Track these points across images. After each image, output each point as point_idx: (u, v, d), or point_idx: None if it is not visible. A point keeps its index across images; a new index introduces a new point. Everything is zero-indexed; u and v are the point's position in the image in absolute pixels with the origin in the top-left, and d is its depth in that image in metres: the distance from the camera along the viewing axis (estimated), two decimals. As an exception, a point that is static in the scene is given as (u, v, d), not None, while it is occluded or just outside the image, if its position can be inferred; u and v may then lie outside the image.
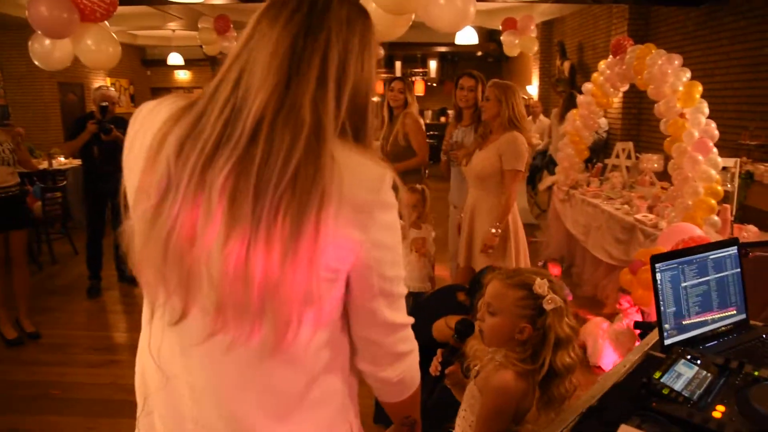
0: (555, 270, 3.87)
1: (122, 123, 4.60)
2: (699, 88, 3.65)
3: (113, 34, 3.94)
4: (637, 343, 1.91)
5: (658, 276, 1.51)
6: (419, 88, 13.75)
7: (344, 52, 0.86)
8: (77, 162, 6.23)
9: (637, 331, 2.92)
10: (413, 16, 3.34)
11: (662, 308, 1.51)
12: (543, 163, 7.53)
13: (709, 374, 1.22)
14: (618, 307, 3.32)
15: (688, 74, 3.75)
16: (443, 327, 2.22)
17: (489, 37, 11.34)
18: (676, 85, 3.69)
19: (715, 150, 3.55)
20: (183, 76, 13.83)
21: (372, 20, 0.94)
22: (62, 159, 7.09)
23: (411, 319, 0.99)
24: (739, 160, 3.93)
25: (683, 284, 1.56)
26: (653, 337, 1.59)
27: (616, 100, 6.70)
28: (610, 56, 4.78)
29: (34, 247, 5.58)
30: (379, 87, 6.55)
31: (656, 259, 1.51)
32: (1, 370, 3.44)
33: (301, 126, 0.80)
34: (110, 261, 4.85)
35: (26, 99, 9.41)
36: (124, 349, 3.75)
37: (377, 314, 0.92)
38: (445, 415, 1.49)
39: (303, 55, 0.83)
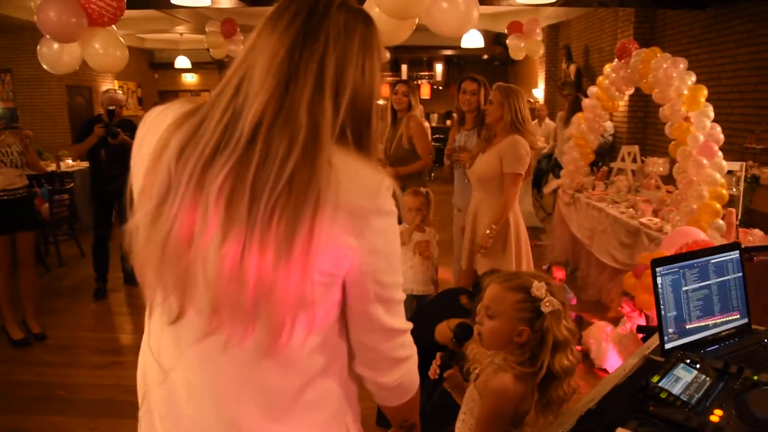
0: (559, 273, 3.86)
1: (130, 126, 4.64)
2: (704, 92, 3.64)
3: (120, 38, 3.97)
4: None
5: (659, 280, 1.51)
6: (425, 92, 13.77)
7: (342, 57, 0.87)
8: (84, 164, 6.28)
9: (640, 335, 2.93)
10: (417, 21, 3.35)
11: (663, 312, 1.51)
12: (548, 166, 7.52)
13: (707, 378, 1.22)
14: (621, 311, 3.32)
15: (693, 78, 3.74)
16: (445, 330, 2.22)
17: (495, 40, 11.34)
18: (681, 89, 3.68)
19: (720, 154, 3.53)
20: (190, 79, 13.92)
21: (375, 26, 0.94)
22: (70, 161, 7.15)
23: (410, 325, 0.99)
24: (744, 163, 3.92)
25: (684, 288, 1.56)
26: (654, 341, 1.59)
27: (622, 104, 6.69)
28: (616, 60, 4.78)
29: (42, 249, 5.62)
30: (385, 90, 6.56)
31: (657, 263, 1.51)
32: (7, 371, 3.47)
33: (298, 130, 0.81)
34: (117, 263, 4.89)
35: (35, 102, 9.50)
36: (129, 350, 3.78)
37: (374, 319, 0.92)
38: (445, 418, 1.50)
39: (300, 60, 0.84)
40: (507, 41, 7.25)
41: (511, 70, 12.80)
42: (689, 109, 3.65)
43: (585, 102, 5.23)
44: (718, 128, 3.61)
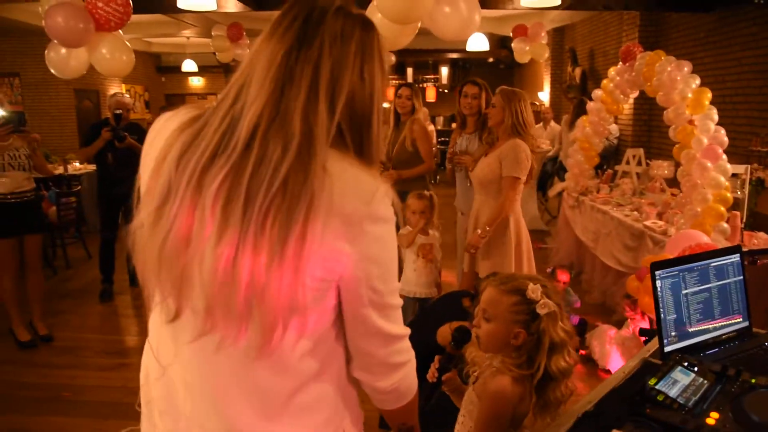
0: (564, 276, 3.85)
1: (137, 129, 4.69)
2: (708, 95, 3.64)
3: (127, 43, 4.01)
4: (642, 350, 1.91)
5: (658, 283, 1.52)
6: (430, 95, 13.80)
7: (338, 62, 0.88)
8: (92, 167, 6.33)
9: (643, 338, 2.93)
10: (419, 25, 3.36)
11: (662, 315, 1.51)
12: (553, 169, 7.52)
13: (705, 381, 1.23)
14: (625, 313, 3.31)
15: (698, 81, 3.73)
16: (447, 333, 2.22)
17: (500, 43, 11.36)
18: (685, 92, 3.68)
19: (724, 157, 3.53)
20: (197, 82, 14.00)
21: (376, 31, 0.95)
22: (77, 164, 7.21)
23: (407, 330, 0.99)
24: (749, 166, 3.92)
25: (684, 292, 1.56)
26: (655, 343, 1.60)
27: (627, 107, 6.68)
28: (620, 63, 4.78)
29: (49, 252, 5.66)
30: (389, 93, 6.60)
31: (656, 266, 1.52)
32: (13, 372, 3.50)
33: (292, 134, 0.83)
34: (123, 265, 4.92)
35: (43, 105, 9.58)
36: (134, 352, 3.80)
37: (370, 324, 0.92)
38: (444, 421, 1.51)
39: (296, 65, 0.86)
40: (512, 44, 7.26)
41: (517, 73, 12.81)
42: (693, 112, 3.65)
43: (590, 105, 5.24)
44: (723, 131, 3.60)
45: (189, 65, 11.38)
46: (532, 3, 4.75)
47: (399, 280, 3.04)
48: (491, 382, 1.30)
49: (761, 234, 3.49)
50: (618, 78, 4.76)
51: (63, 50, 3.81)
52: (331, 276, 0.86)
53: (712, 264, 1.63)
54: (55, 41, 3.71)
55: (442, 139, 10.11)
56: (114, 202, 4.67)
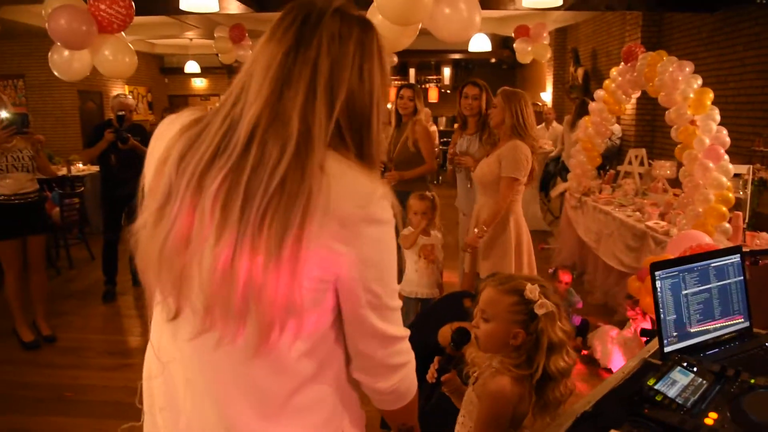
0: (566, 277, 3.84)
1: (140, 130, 4.71)
2: (710, 95, 3.63)
3: (130, 45, 4.03)
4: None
5: (658, 284, 1.52)
6: (433, 95, 13.80)
7: (336, 62, 0.88)
8: (95, 168, 6.36)
9: (644, 339, 2.92)
10: (420, 26, 3.37)
11: (662, 316, 1.52)
12: (556, 169, 7.51)
13: (704, 381, 1.23)
14: (627, 314, 3.31)
15: (700, 81, 3.73)
16: (448, 333, 2.22)
17: (502, 44, 11.36)
18: (687, 92, 3.68)
19: (726, 157, 3.52)
20: (200, 83, 14.03)
21: (375, 31, 0.96)
22: (80, 165, 7.23)
23: (406, 332, 0.99)
24: (752, 167, 3.90)
25: (684, 292, 1.56)
26: (655, 344, 1.60)
27: (630, 107, 6.67)
28: (622, 63, 4.77)
29: (53, 252, 5.69)
30: (391, 94, 6.63)
31: (656, 266, 1.52)
32: (17, 372, 3.52)
33: (290, 134, 0.84)
34: (126, 266, 4.94)
35: (47, 107, 9.63)
36: (137, 353, 3.80)
37: (368, 326, 0.93)
38: (444, 422, 1.51)
39: (294, 66, 0.87)
40: (514, 45, 7.26)
41: (519, 73, 12.80)
42: (695, 112, 3.65)
43: (592, 105, 5.23)
44: (725, 131, 3.60)
45: (192, 66, 11.42)
46: (533, 3, 4.75)
47: (401, 280, 3.06)
48: (491, 383, 1.30)
49: (763, 234, 3.48)
50: (620, 78, 4.76)
51: (66, 52, 3.83)
52: (327, 277, 0.87)
53: (713, 264, 1.63)
54: (59, 43, 3.73)
55: (445, 139, 10.10)
56: (117, 203, 4.69)
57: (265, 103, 0.85)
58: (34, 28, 7.24)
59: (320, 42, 0.88)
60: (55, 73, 3.98)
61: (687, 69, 3.76)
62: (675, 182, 4.65)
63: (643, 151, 5.42)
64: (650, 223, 3.98)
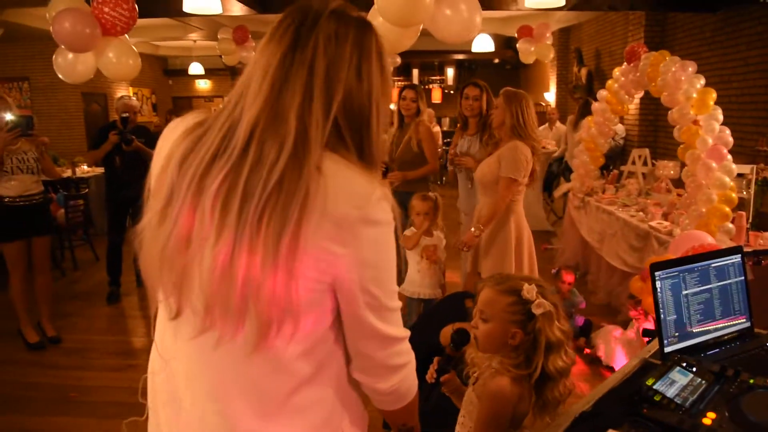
0: (569, 277, 3.84)
1: (144, 132, 4.73)
2: (713, 95, 3.63)
3: (133, 47, 4.05)
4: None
5: (658, 284, 1.52)
6: (436, 96, 13.81)
7: (333, 62, 0.89)
8: (99, 170, 6.39)
9: (646, 339, 2.92)
10: (420, 28, 3.37)
11: (662, 316, 1.52)
12: (559, 170, 7.50)
13: (703, 381, 1.23)
14: (629, 314, 3.31)
15: (702, 81, 3.72)
16: (450, 334, 2.24)
17: (506, 44, 11.35)
18: (690, 92, 3.67)
19: (729, 157, 3.51)
20: (204, 85, 14.08)
21: (373, 30, 0.96)
22: (85, 167, 7.27)
23: (406, 333, 0.99)
24: (756, 166, 3.89)
25: (684, 292, 1.57)
26: (656, 344, 1.60)
27: (633, 107, 6.66)
28: (625, 63, 4.77)
29: (57, 254, 5.72)
30: (393, 94, 6.67)
31: (656, 267, 1.53)
32: (22, 373, 3.54)
33: (287, 134, 0.85)
34: (130, 267, 4.96)
35: (51, 109, 9.68)
36: (141, 353, 3.83)
37: (367, 327, 0.93)
38: (444, 422, 1.52)
39: (291, 67, 0.88)
40: (517, 45, 7.26)
41: (523, 73, 12.79)
42: (698, 112, 3.64)
43: (595, 106, 5.23)
44: (728, 131, 3.59)
45: (196, 68, 11.47)
46: (536, 4, 4.75)
47: (403, 281, 3.06)
48: (491, 383, 1.31)
49: (767, 234, 3.47)
50: (623, 78, 4.76)
51: (70, 55, 3.86)
52: (324, 278, 0.88)
53: (713, 265, 1.63)
54: (63, 46, 3.75)
55: (448, 140, 10.11)
56: (121, 205, 4.71)
57: (263, 105, 0.87)
58: (39, 30, 7.27)
59: (316, 43, 0.89)
60: (60, 76, 4.01)
61: (690, 69, 3.75)
62: (678, 182, 4.63)
63: (647, 151, 5.41)
64: (653, 223, 3.97)
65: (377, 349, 0.96)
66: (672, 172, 4.76)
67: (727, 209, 3.39)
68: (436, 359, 1.43)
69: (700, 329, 1.58)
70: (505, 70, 13.10)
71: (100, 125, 6.11)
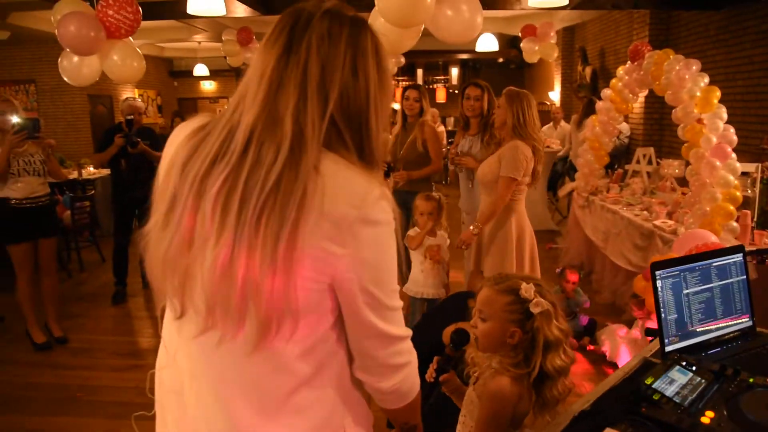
0: (573, 276, 3.84)
1: (149, 134, 4.76)
2: (717, 93, 3.62)
3: (138, 49, 4.07)
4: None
5: (659, 283, 1.52)
6: (441, 95, 13.80)
7: (327, 61, 0.90)
8: (106, 172, 6.43)
9: (649, 338, 2.92)
10: (422, 28, 3.38)
11: (663, 315, 1.52)
12: (564, 169, 7.49)
13: (703, 380, 1.23)
14: (633, 313, 3.31)
15: (706, 79, 3.71)
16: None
17: (510, 43, 11.34)
18: (694, 91, 3.66)
19: (733, 155, 3.50)
20: (209, 86, 14.13)
21: (368, 28, 0.96)
22: (91, 169, 7.31)
23: (408, 332, 1.00)
24: (761, 165, 3.87)
25: (685, 291, 1.57)
26: (657, 343, 1.60)
27: (638, 106, 6.65)
28: (629, 62, 4.76)
29: (64, 255, 5.76)
30: (397, 94, 6.67)
31: (656, 266, 1.53)
32: (29, 373, 3.58)
33: (284, 135, 0.86)
34: (136, 268, 4.99)
35: (57, 111, 9.75)
36: (147, 353, 3.86)
37: (368, 326, 0.94)
38: (445, 421, 1.52)
39: (285, 69, 0.89)
40: (521, 45, 7.24)
41: (527, 73, 12.77)
42: (702, 110, 3.63)
43: (599, 105, 5.22)
44: (732, 130, 3.58)
45: (201, 69, 11.50)
46: (539, 3, 4.74)
47: (406, 280, 3.07)
48: (491, 383, 1.32)
49: (772, 233, 3.46)
50: (627, 77, 4.74)
51: (75, 58, 3.88)
52: (322, 278, 0.88)
53: (714, 264, 1.63)
54: (68, 49, 3.78)
55: (452, 140, 10.10)
56: (127, 207, 4.74)
57: (260, 108, 0.88)
58: (44, 33, 7.33)
59: (309, 43, 0.90)
60: (65, 79, 4.04)
61: (694, 67, 3.74)
62: (683, 181, 4.62)
63: (651, 150, 5.39)
64: (658, 222, 3.96)
65: (378, 348, 0.96)
66: (677, 170, 4.74)
67: (732, 208, 3.38)
68: (435, 359, 1.44)
69: (702, 328, 1.58)
70: (509, 70, 13.08)
71: (105, 127, 6.15)
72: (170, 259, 0.89)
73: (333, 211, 0.85)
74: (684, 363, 1.28)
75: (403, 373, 1.00)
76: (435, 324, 2.34)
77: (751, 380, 1.22)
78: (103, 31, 3.69)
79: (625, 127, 6.74)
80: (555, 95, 10.42)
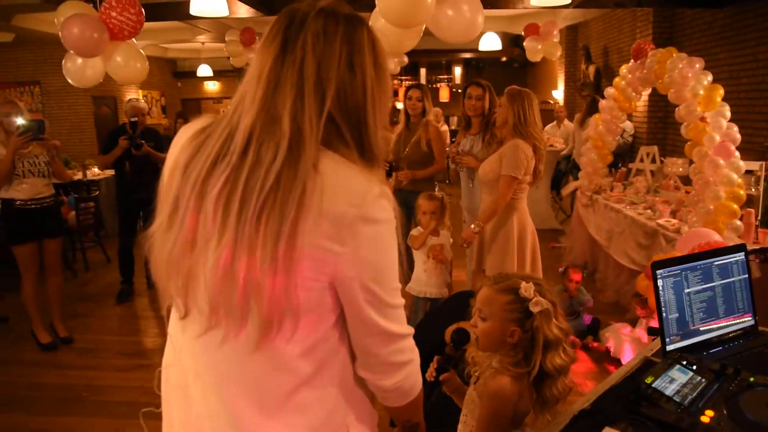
0: (576, 275, 3.84)
1: (153, 134, 4.78)
2: (720, 92, 3.61)
3: (141, 51, 4.09)
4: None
5: (660, 282, 1.52)
6: (444, 95, 13.80)
7: (323, 59, 0.90)
8: (110, 172, 6.46)
9: (652, 337, 2.91)
10: (423, 28, 3.38)
11: (664, 314, 1.52)
12: (567, 168, 7.47)
13: (703, 380, 1.23)
14: (636, 312, 3.30)
15: (710, 77, 3.70)
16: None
17: (513, 42, 11.32)
18: (697, 89, 3.65)
19: (737, 154, 3.49)
20: (212, 86, 14.17)
21: (364, 25, 0.97)
22: (96, 170, 7.34)
23: (410, 330, 1.00)
24: (765, 163, 3.86)
25: (686, 290, 1.57)
26: (658, 342, 1.60)
27: (641, 104, 6.63)
28: (632, 60, 4.75)
29: (69, 256, 5.79)
30: (400, 94, 6.68)
31: (657, 265, 1.53)
32: (35, 373, 3.60)
33: (283, 134, 0.87)
34: (141, 269, 5.01)
35: (62, 112, 9.80)
36: (152, 353, 3.87)
37: (369, 324, 0.94)
38: (446, 421, 1.53)
39: (282, 70, 0.90)
40: (524, 43, 7.23)
41: (531, 71, 12.75)
42: (705, 109, 3.62)
43: (602, 103, 5.20)
44: (735, 128, 3.57)
45: (204, 70, 11.55)
46: (541, 2, 4.73)
47: (408, 279, 3.06)
48: (491, 382, 1.32)
49: (776, 231, 3.45)
50: (630, 76, 4.73)
51: (79, 60, 3.90)
52: (322, 276, 0.89)
53: (716, 263, 1.63)
54: (72, 51, 3.80)
55: (455, 139, 10.11)
56: (132, 208, 4.76)
57: (259, 109, 0.89)
58: (49, 35, 7.37)
59: (305, 42, 0.90)
60: (69, 81, 4.06)
61: (697, 65, 3.73)
62: (687, 179, 4.60)
63: (655, 149, 5.38)
64: (661, 221, 3.96)
65: (380, 346, 0.97)
66: (681, 169, 4.73)
67: (735, 206, 3.37)
68: (436, 358, 1.44)
69: (703, 327, 1.58)
70: (512, 69, 13.06)
71: (110, 128, 6.18)
72: (174, 260, 0.90)
73: (332, 209, 0.86)
74: (684, 362, 1.28)
75: (405, 371, 1.01)
76: (437, 323, 2.35)
77: (751, 379, 1.22)
78: (106, 33, 3.71)
79: (628, 125, 6.72)
80: (558, 94, 10.40)
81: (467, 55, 12.82)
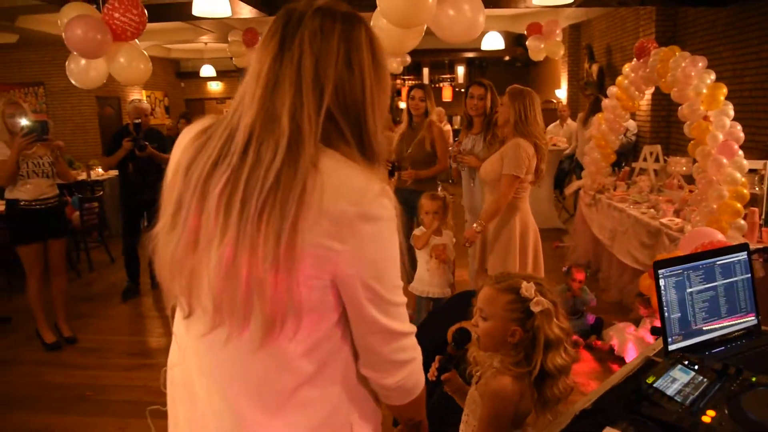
0: (580, 275, 3.83)
1: (156, 135, 4.80)
2: (723, 90, 3.60)
3: (144, 51, 4.11)
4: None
5: (662, 282, 1.52)
6: (447, 94, 13.79)
7: (320, 57, 0.90)
8: (114, 173, 6.49)
9: (655, 337, 2.91)
10: (424, 28, 3.38)
11: (666, 314, 1.52)
12: (570, 167, 7.46)
13: (705, 379, 1.23)
14: (639, 312, 3.30)
15: (713, 76, 3.69)
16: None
17: (516, 41, 11.31)
18: (700, 88, 3.64)
19: (740, 153, 3.48)
20: (215, 87, 14.19)
21: (362, 23, 0.97)
22: (100, 170, 7.37)
23: (412, 328, 1.01)
24: (768, 162, 3.85)
25: (689, 290, 1.56)
26: (660, 342, 1.60)
27: (645, 103, 6.61)
28: (635, 59, 4.74)
29: (73, 256, 5.81)
30: (402, 93, 6.67)
31: (659, 264, 1.53)
32: (39, 372, 3.61)
33: (282, 133, 0.87)
34: (146, 270, 5.03)
35: (66, 113, 9.83)
36: (156, 353, 3.89)
37: (371, 322, 0.94)
38: (448, 421, 1.53)
39: (280, 69, 0.90)
40: (527, 42, 7.23)
41: (534, 71, 12.73)
42: (708, 107, 3.61)
43: (605, 102, 5.20)
44: (739, 127, 3.56)
45: (207, 70, 11.57)
46: (543, 1, 4.73)
47: (411, 279, 3.07)
48: (492, 382, 1.32)
49: (780, 230, 3.44)
50: (633, 75, 4.73)
51: (83, 61, 3.92)
52: (323, 275, 0.89)
53: (718, 262, 1.62)
54: (75, 53, 3.81)
55: (458, 138, 10.12)
56: (135, 209, 4.79)
57: (258, 108, 0.90)
58: (53, 36, 7.39)
59: (302, 41, 0.91)
60: (73, 82, 4.07)
61: (700, 64, 3.72)
62: (691, 179, 4.59)
63: (658, 148, 5.36)
64: (664, 221, 3.95)
65: (382, 344, 0.97)
66: (684, 168, 4.72)
67: (739, 206, 3.36)
68: (437, 357, 1.45)
69: (706, 327, 1.58)
70: (515, 68, 13.05)
71: (114, 128, 6.20)
72: (177, 260, 0.91)
73: (332, 208, 0.86)
74: (686, 362, 1.28)
75: (407, 369, 1.01)
76: (440, 323, 2.35)
77: (753, 379, 1.22)
78: (109, 34, 3.72)
79: (632, 124, 6.70)
80: (561, 93, 10.38)
81: (470, 55, 12.81)
